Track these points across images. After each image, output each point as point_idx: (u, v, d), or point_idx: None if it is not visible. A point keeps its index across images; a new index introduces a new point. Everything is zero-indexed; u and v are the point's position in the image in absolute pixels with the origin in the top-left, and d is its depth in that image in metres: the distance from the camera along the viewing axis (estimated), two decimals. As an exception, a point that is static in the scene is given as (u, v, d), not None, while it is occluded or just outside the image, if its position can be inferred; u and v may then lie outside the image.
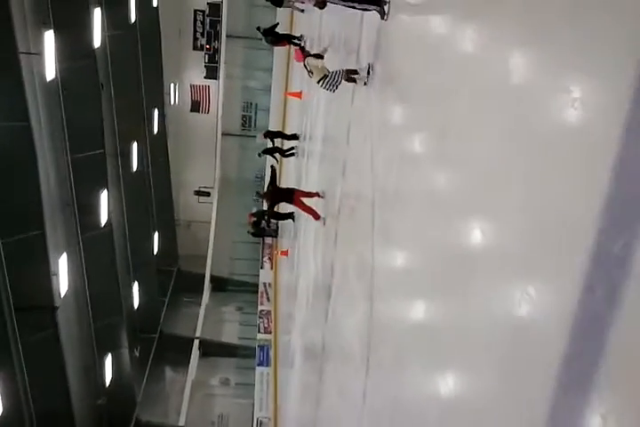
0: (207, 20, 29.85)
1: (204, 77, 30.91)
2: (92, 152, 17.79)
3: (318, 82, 8.23)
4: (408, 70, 6.15)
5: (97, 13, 17.80)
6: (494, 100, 3.82)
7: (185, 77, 30.86)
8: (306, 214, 12.54)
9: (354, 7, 7.32)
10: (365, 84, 7.96)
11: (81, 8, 16.74)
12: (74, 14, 16.32)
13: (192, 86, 31.00)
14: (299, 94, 19.59)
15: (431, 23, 5.50)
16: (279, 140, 19.96)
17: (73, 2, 16.37)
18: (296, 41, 17.81)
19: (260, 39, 17.63)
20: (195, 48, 30.60)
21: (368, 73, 7.79)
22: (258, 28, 16.88)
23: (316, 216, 11.84)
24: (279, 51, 25.44)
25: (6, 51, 13.13)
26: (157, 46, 25.97)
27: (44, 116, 15.63)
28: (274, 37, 17.00)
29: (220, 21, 29.52)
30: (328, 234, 10.90)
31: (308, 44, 17.28)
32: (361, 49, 9.04)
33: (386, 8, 7.11)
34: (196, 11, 29.87)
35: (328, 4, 7.52)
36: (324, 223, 11.47)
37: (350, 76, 8.17)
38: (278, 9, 20.17)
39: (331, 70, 8.31)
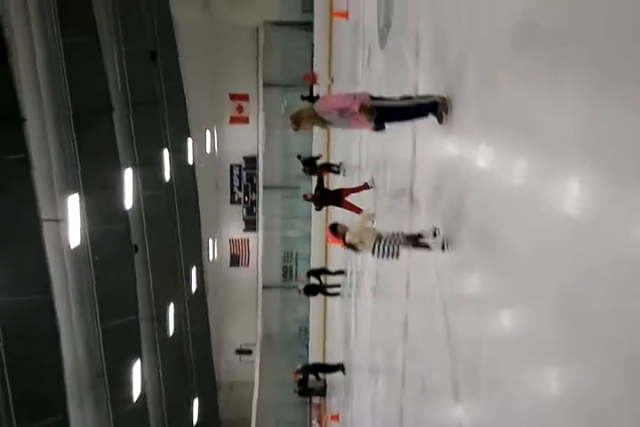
0: (244, 173, 29.83)
1: (243, 230, 30.38)
2: (125, 319, 16.55)
3: (372, 250, 6.13)
4: (496, 230, 4.68)
5: (129, 174, 17.32)
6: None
7: (223, 232, 30.34)
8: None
9: (410, 118, 6.21)
10: (444, 248, 5.82)
11: (112, 170, 16.28)
12: (104, 177, 15.82)
13: (231, 240, 30.39)
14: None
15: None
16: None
17: (103, 164, 15.92)
18: (334, 168, 17.85)
19: (298, 187, 17.75)
20: (232, 202, 30.41)
21: (435, 235, 5.92)
22: (298, 157, 17.61)
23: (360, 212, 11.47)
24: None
25: (28, 219, 12.32)
26: (194, 203, 25.57)
27: (72, 284, 14.63)
28: (312, 167, 17.24)
29: (256, 174, 29.45)
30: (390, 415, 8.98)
31: (346, 173, 17.09)
32: (416, 190, 7.74)
33: (443, 113, 5.93)
34: (232, 165, 29.96)
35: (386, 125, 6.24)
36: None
37: (417, 241, 6.15)
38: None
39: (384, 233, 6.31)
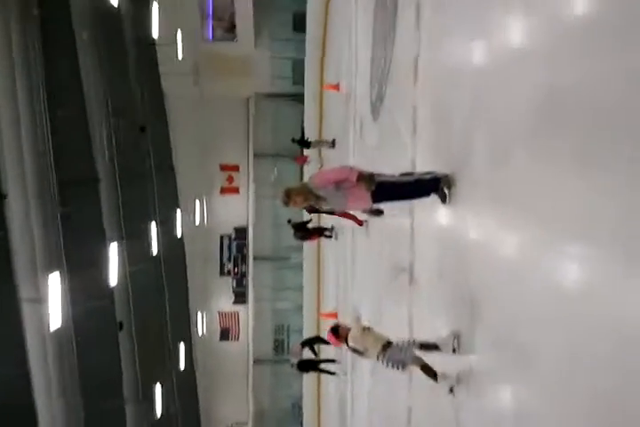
0: (234, 244, 29.35)
1: (233, 303, 29.63)
2: (110, 402, 15.64)
3: (377, 358, 5.60)
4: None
5: (114, 248, 16.77)
6: None
7: (212, 305, 29.56)
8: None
9: (410, 197, 5.83)
10: (454, 351, 5.19)
11: (97, 245, 15.73)
12: (89, 252, 15.25)
13: (220, 313, 29.56)
14: (334, 315, 17.98)
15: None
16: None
17: (88, 240, 15.38)
18: (327, 233, 17.44)
19: (288, 258, 17.20)
20: (222, 274, 29.77)
21: (454, 350, 5.18)
22: (288, 221, 17.09)
23: (359, 222, 11.33)
24: (309, 267, 24.49)
25: (6, 298, 11.68)
26: (183, 277, 24.91)
27: (53, 365, 13.82)
28: (304, 232, 16.81)
29: (246, 244, 28.98)
30: None
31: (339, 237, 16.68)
32: (417, 267, 7.25)
33: (446, 190, 5.54)
34: (222, 236, 29.51)
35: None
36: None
37: (425, 347, 5.52)
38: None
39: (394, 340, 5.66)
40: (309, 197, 5.39)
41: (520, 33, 4.04)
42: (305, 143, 20.43)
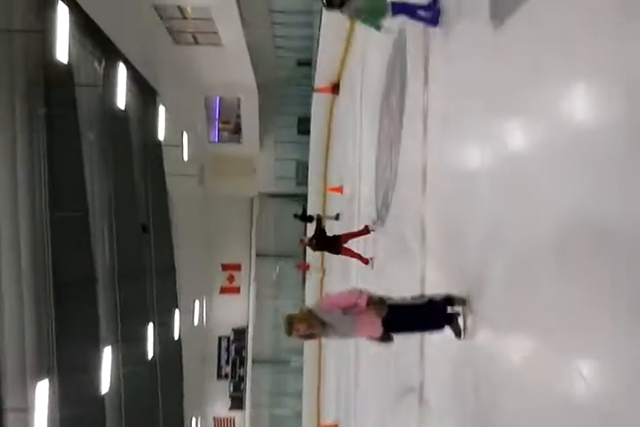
0: (232, 346, 28.49)
1: (229, 409, 28.38)
2: None
3: None
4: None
5: (108, 352, 16.12)
6: None
7: (208, 410, 28.31)
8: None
9: (422, 328, 5.46)
10: None
11: (91, 349, 15.11)
12: (81, 357, 14.60)
13: (215, 419, 28.27)
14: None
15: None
16: None
17: (82, 344, 14.78)
18: None
19: (289, 362, 16.55)
20: (219, 377, 28.71)
21: None
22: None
23: (365, 260, 11.14)
24: (309, 372, 23.58)
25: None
26: (179, 381, 23.91)
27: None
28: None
29: (245, 346, 28.14)
30: None
31: None
32: (427, 387, 6.74)
33: (460, 322, 5.15)
34: (220, 337, 28.70)
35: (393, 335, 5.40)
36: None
37: None
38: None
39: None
40: (314, 323, 4.99)
41: (542, 142, 3.83)
42: (307, 218, 20.19)
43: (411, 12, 6.67)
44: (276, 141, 28.73)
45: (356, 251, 11.38)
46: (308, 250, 25.09)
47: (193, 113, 25.50)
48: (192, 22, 18.19)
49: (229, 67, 21.09)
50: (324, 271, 22.05)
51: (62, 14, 12.26)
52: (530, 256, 3.90)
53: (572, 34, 3.34)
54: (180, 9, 17.19)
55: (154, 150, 22.13)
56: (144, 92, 20.89)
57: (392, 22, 7.03)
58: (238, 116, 27.40)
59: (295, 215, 21.06)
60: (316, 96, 20.58)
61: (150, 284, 20.68)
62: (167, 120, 22.27)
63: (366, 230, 10.94)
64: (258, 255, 29.93)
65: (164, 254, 22.91)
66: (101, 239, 17.50)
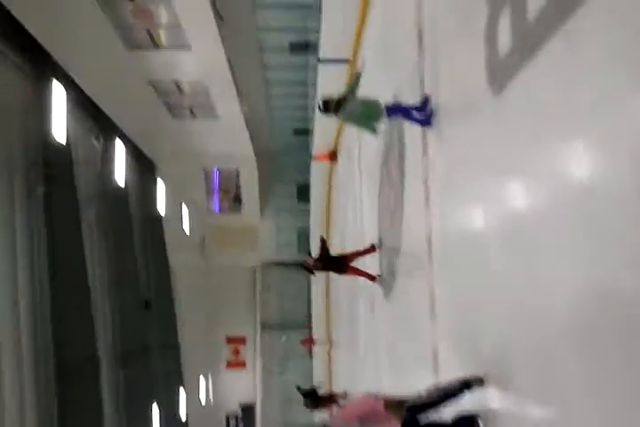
0: (240, 424, 27.47)
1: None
2: None
3: None
4: None
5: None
6: None
7: None
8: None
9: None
10: None
11: None
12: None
13: None
14: None
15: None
16: None
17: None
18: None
19: None
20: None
21: None
22: (298, 388, 15.97)
23: (372, 278, 10.59)
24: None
25: None
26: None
27: None
28: (314, 400, 15.59)
29: (254, 425, 27.17)
30: None
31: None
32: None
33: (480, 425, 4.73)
34: (228, 416, 27.70)
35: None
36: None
37: None
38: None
39: None
40: None
41: (547, 207, 3.59)
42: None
43: (405, 113, 6.76)
44: (277, 210, 28.67)
45: (362, 269, 10.88)
46: (315, 322, 24.54)
47: (192, 185, 25.52)
48: (189, 96, 18.38)
49: (227, 138, 21.23)
50: (330, 344, 21.45)
51: (58, 93, 12.30)
52: (547, 331, 3.60)
53: (571, 99, 3.16)
54: (177, 84, 17.39)
55: (154, 225, 21.99)
56: (143, 166, 20.92)
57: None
58: (238, 187, 27.43)
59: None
60: (314, 164, 20.58)
61: (154, 362, 20.11)
62: (167, 193, 22.23)
63: (372, 248, 10.60)
64: (263, 327, 29.34)
65: (168, 330, 22.42)
66: (103, 317, 17.10)
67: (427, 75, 6.69)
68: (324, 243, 11.14)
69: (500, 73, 4.37)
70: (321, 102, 7.15)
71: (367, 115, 6.77)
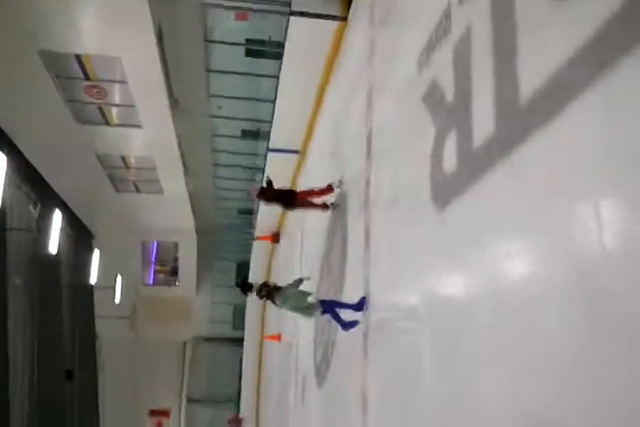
0: None
1: None
2: None
3: None
4: None
5: None
6: None
7: None
8: None
9: None
10: None
11: None
12: None
13: None
14: None
15: None
16: None
17: None
18: None
19: None
20: None
21: None
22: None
23: (325, 207, 9.50)
24: None
25: None
26: None
27: None
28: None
29: None
30: None
31: None
32: None
33: None
34: None
35: None
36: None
37: None
38: None
39: None
40: None
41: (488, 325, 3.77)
42: (248, 287, 18.52)
43: (339, 307, 7.21)
44: (214, 285, 28.38)
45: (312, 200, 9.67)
46: (244, 400, 23.92)
47: (129, 256, 25.17)
48: (134, 171, 18.44)
49: (169, 213, 21.22)
50: (257, 423, 20.98)
51: (0, 162, 12.24)
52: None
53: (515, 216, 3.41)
54: (123, 158, 17.48)
55: (84, 294, 21.54)
56: (80, 235, 20.66)
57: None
58: (175, 260, 27.17)
59: (237, 285, 19.45)
60: (256, 243, 20.71)
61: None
62: (101, 263, 21.89)
63: (330, 189, 9.26)
64: (189, 401, 28.46)
65: (89, 402, 21.58)
66: (22, 389, 16.39)
67: (372, 180, 7.01)
68: (269, 183, 9.69)
69: (445, 191, 4.61)
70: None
71: (295, 309, 7.42)
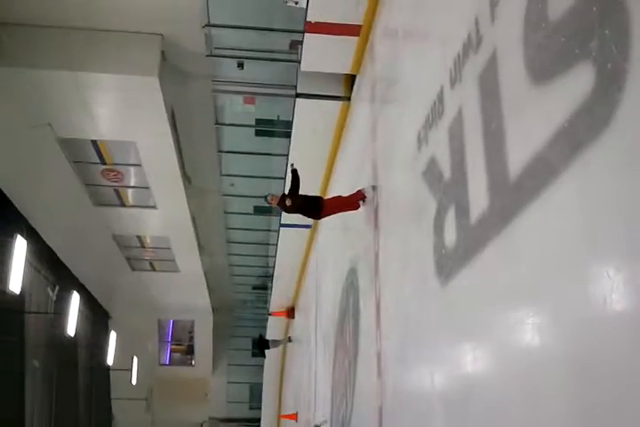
0: None
1: None
2: None
3: None
4: None
5: None
6: None
7: None
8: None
9: None
10: None
11: None
12: None
13: None
14: None
15: None
16: None
17: None
18: None
19: None
20: None
21: None
22: None
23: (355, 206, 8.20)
24: None
25: None
26: None
27: None
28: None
29: None
30: None
31: None
32: None
33: None
34: None
35: None
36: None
37: None
38: None
39: None
40: None
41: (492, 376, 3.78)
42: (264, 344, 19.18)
43: None
44: (229, 364, 28.08)
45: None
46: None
47: (145, 336, 25.12)
48: (150, 251, 18.70)
49: (185, 291, 21.33)
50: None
51: (19, 246, 12.50)
52: None
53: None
54: (139, 238, 17.77)
55: (101, 375, 21.45)
56: (96, 316, 20.77)
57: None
58: (191, 338, 27.04)
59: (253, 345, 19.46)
60: (271, 319, 20.64)
61: None
62: (117, 343, 21.84)
63: (360, 194, 8.07)
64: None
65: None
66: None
67: (380, 255, 7.12)
68: (294, 173, 8.29)
69: (447, 264, 4.73)
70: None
71: None
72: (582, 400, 2.68)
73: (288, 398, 20.70)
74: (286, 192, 8.41)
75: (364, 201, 7.97)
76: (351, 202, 8.16)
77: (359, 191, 8.03)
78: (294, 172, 8.14)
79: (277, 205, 8.31)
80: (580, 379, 2.70)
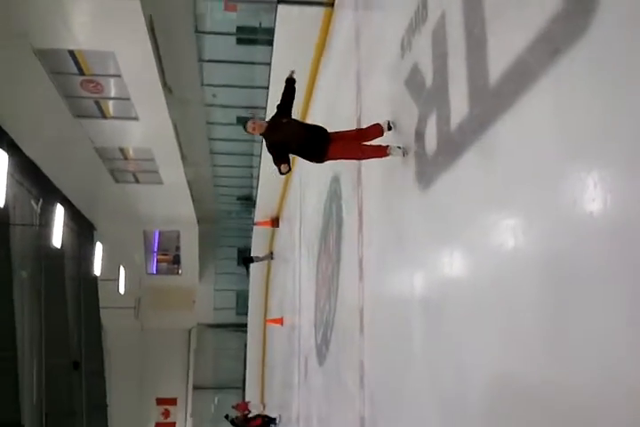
0: None
1: None
2: None
3: None
4: None
5: None
6: None
7: None
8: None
9: None
10: None
11: None
12: None
13: None
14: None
15: None
16: None
17: None
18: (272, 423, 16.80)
19: None
20: None
21: None
22: (226, 417, 16.46)
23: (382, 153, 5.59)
24: None
25: None
26: None
27: None
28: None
29: None
30: None
31: None
32: None
33: None
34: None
35: None
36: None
37: None
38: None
39: None
40: None
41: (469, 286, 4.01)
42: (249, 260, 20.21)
43: None
44: (216, 273, 28.69)
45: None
46: (250, 385, 24.29)
47: (131, 246, 25.45)
48: (133, 162, 18.63)
49: (169, 203, 21.43)
50: (264, 406, 21.29)
51: (1, 161, 12.46)
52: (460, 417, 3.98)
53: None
54: (122, 150, 17.67)
55: (89, 285, 21.85)
56: (82, 228, 20.95)
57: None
58: (177, 248, 27.46)
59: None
60: (256, 229, 20.95)
61: (80, 424, 19.64)
62: (104, 254, 22.17)
63: (377, 129, 5.87)
64: (195, 388, 28.83)
65: (96, 392, 21.99)
66: (30, 379, 16.75)
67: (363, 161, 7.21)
68: (290, 84, 6.16)
69: (428, 170, 4.86)
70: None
71: None
72: (554, 298, 2.86)
73: (274, 304, 21.37)
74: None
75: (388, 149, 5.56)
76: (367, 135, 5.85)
77: (376, 126, 5.86)
78: (290, 82, 6.11)
79: (261, 134, 5.96)
80: (552, 278, 2.88)
